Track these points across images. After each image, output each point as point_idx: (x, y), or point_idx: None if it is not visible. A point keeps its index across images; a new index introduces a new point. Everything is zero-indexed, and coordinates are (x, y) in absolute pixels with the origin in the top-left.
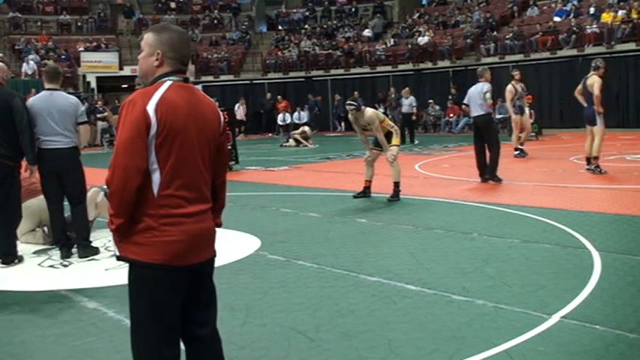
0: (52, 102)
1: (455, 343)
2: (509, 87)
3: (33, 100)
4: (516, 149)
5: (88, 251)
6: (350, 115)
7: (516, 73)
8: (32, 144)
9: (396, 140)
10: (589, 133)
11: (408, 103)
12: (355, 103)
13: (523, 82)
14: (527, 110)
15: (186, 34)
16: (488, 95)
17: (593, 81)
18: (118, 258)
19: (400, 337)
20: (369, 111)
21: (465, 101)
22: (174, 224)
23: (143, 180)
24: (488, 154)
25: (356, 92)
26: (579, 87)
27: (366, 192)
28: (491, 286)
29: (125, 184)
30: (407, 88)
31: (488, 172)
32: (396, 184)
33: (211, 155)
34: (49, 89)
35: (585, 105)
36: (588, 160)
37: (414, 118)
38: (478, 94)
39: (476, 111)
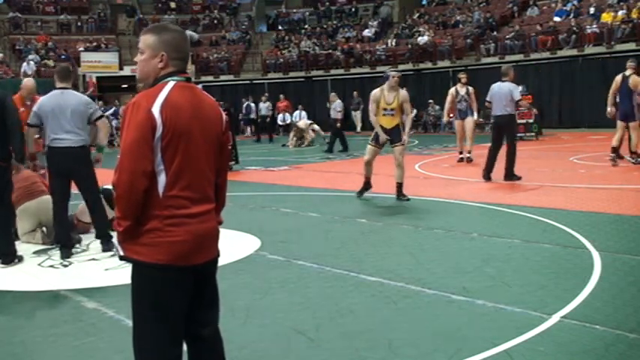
0: (64, 100)
1: (455, 343)
2: (451, 89)
3: (43, 99)
4: (460, 152)
5: (111, 245)
6: (380, 89)
7: (463, 76)
8: (22, 143)
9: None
10: (620, 127)
11: (333, 107)
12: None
13: (523, 82)
14: (474, 116)
15: (185, 32)
16: (517, 98)
17: (637, 82)
18: (122, 258)
19: (400, 337)
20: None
21: (487, 98)
22: (178, 225)
23: (149, 182)
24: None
25: (355, 92)
26: (616, 85)
27: (367, 187)
28: (491, 286)
29: (132, 186)
30: (333, 93)
31: (506, 172)
32: (400, 185)
33: (215, 155)
34: (60, 88)
35: (617, 101)
36: (614, 149)
37: (338, 125)
38: (505, 95)
39: (499, 110)
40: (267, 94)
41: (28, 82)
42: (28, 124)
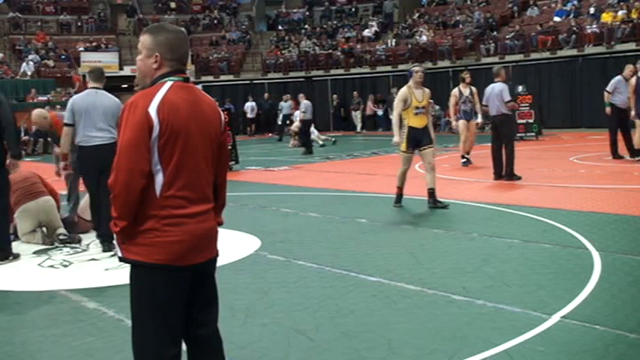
0: (98, 99)
1: (455, 343)
2: (454, 90)
3: (77, 98)
4: (463, 157)
5: (113, 246)
6: (408, 87)
7: (467, 76)
8: (17, 140)
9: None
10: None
11: (302, 109)
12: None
13: (523, 82)
14: (479, 117)
15: (183, 33)
16: (507, 100)
17: None
18: (121, 259)
19: (400, 337)
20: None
21: (483, 102)
22: (176, 224)
23: (146, 181)
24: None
25: (355, 92)
26: (632, 87)
27: (400, 196)
28: (491, 286)
29: (129, 186)
30: (301, 94)
31: (506, 171)
32: (433, 191)
33: (213, 154)
34: (93, 88)
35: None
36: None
37: (296, 126)
38: (496, 95)
39: (494, 111)
40: (270, 94)
41: (32, 116)
42: (66, 123)
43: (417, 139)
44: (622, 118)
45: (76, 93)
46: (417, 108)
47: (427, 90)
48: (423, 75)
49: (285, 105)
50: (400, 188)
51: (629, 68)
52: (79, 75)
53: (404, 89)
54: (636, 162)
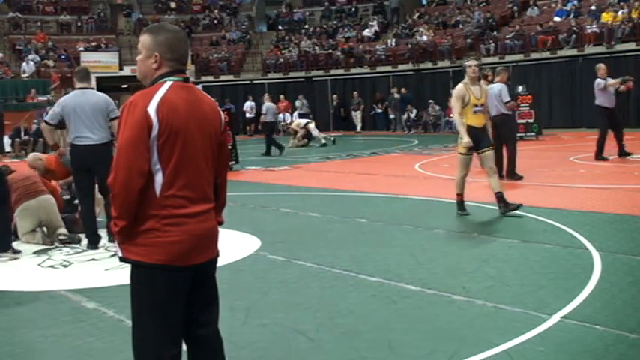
0: (85, 99)
1: (455, 343)
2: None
3: (65, 99)
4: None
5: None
6: (464, 84)
7: (489, 74)
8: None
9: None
10: None
11: (264, 111)
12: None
13: (523, 82)
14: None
15: (183, 33)
16: (506, 100)
17: None
18: (121, 259)
19: (400, 337)
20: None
21: None
22: (177, 224)
23: (146, 181)
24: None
25: (355, 92)
26: None
27: (462, 203)
28: (491, 286)
29: (128, 186)
30: (266, 95)
31: (507, 171)
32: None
33: (213, 154)
34: (80, 88)
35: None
36: None
37: (259, 127)
38: (495, 95)
39: (494, 111)
40: (271, 94)
41: (29, 159)
42: (46, 122)
43: (477, 140)
44: (612, 118)
45: (60, 92)
46: (476, 106)
47: (485, 86)
48: (477, 69)
49: (300, 104)
50: (461, 195)
51: (602, 68)
52: (59, 75)
53: (460, 86)
54: (629, 161)
